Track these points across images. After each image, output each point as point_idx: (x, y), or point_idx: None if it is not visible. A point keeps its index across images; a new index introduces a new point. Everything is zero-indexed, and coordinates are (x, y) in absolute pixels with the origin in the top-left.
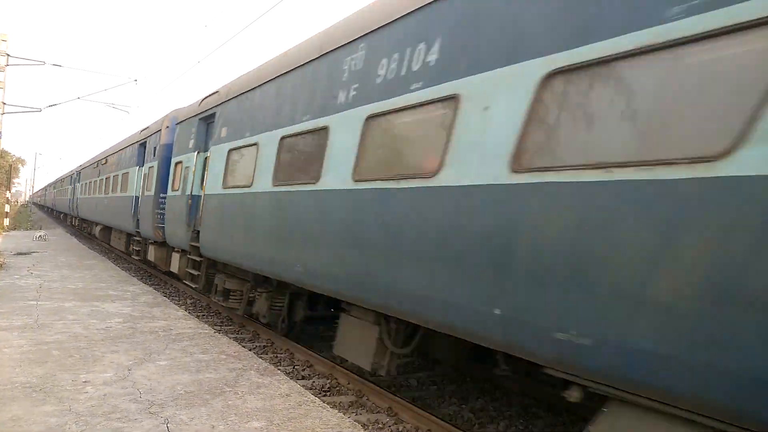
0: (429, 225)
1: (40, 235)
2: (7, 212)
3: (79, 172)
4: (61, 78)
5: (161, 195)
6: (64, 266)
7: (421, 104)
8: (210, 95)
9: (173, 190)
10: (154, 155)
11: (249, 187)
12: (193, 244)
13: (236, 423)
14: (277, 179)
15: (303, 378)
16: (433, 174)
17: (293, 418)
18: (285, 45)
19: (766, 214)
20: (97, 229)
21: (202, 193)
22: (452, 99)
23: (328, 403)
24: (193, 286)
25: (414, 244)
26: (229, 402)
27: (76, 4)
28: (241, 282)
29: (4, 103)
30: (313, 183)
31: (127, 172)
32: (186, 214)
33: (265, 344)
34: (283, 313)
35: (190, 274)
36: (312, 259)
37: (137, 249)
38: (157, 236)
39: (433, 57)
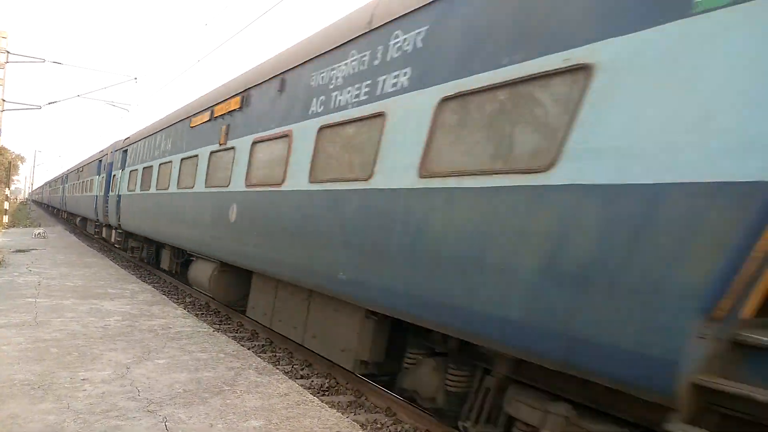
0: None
1: (39, 233)
2: (6, 209)
3: (66, 176)
4: (61, 75)
5: (107, 195)
6: (63, 264)
7: (166, 162)
8: (128, 137)
9: (111, 191)
10: (104, 169)
11: (134, 191)
12: (119, 223)
13: (234, 422)
14: (141, 187)
15: (302, 377)
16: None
17: (291, 418)
18: (284, 44)
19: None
20: (77, 219)
21: (123, 194)
22: (170, 162)
23: (326, 403)
24: (117, 246)
25: (172, 215)
26: (228, 401)
27: (76, 1)
28: (139, 243)
29: (4, 100)
30: (147, 190)
31: (93, 179)
32: (116, 206)
33: (263, 343)
34: (152, 254)
35: (118, 240)
36: (154, 226)
37: (97, 230)
38: (105, 221)
39: (170, 144)
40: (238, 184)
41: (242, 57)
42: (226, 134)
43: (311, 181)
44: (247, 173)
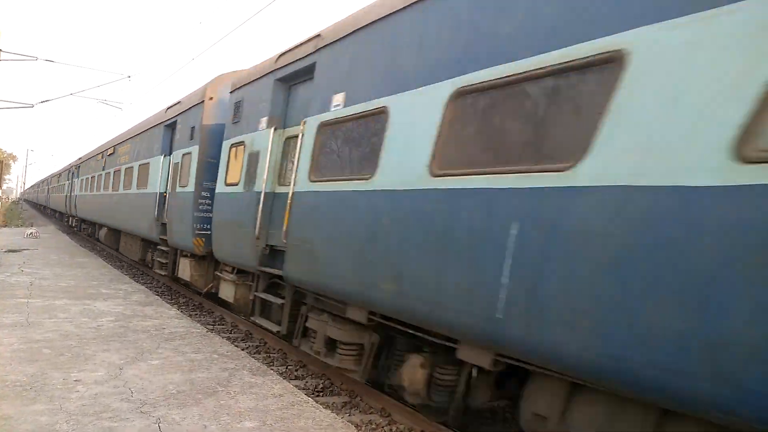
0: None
1: (31, 233)
2: None
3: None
4: (53, 74)
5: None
6: (56, 264)
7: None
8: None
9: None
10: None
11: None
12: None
13: (228, 423)
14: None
15: (296, 378)
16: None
17: (286, 419)
18: (283, 43)
19: None
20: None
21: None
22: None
23: (321, 404)
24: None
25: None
26: (222, 402)
27: None
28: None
29: None
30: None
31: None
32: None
33: (258, 344)
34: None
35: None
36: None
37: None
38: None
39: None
40: None
41: (236, 55)
42: None
43: None
44: None
